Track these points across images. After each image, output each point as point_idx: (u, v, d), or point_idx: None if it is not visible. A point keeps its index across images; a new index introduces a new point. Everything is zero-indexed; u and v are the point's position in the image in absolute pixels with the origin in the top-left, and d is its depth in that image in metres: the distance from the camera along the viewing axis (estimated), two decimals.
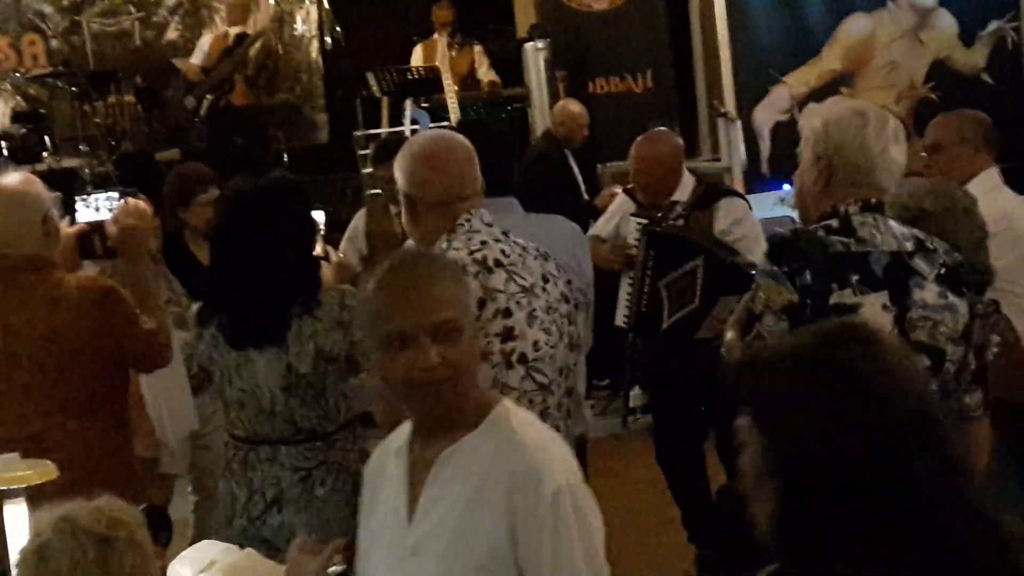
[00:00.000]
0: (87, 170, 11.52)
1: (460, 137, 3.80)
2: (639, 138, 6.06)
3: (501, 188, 4.44)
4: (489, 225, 3.64)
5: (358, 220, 6.34)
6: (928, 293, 3.32)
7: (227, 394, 4.12)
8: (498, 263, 3.55)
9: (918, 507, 1.93)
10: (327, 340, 4.02)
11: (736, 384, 2.09)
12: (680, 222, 5.83)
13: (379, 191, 6.51)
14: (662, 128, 6.41)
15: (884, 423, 1.93)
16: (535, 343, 3.53)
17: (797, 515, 1.96)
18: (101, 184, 10.74)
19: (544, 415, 3.50)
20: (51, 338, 4.02)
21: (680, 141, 6.29)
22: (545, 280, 3.61)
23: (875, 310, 3.27)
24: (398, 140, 7.17)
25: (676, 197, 5.90)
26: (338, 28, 11.80)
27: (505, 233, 3.65)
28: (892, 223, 3.39)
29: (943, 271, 3.35)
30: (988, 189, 4.86)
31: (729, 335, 3.89)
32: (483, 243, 3.58)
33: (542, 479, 2.59)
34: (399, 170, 3.73)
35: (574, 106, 9.44)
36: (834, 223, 3.37)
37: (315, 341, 4.00)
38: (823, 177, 3.44)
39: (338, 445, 4.09)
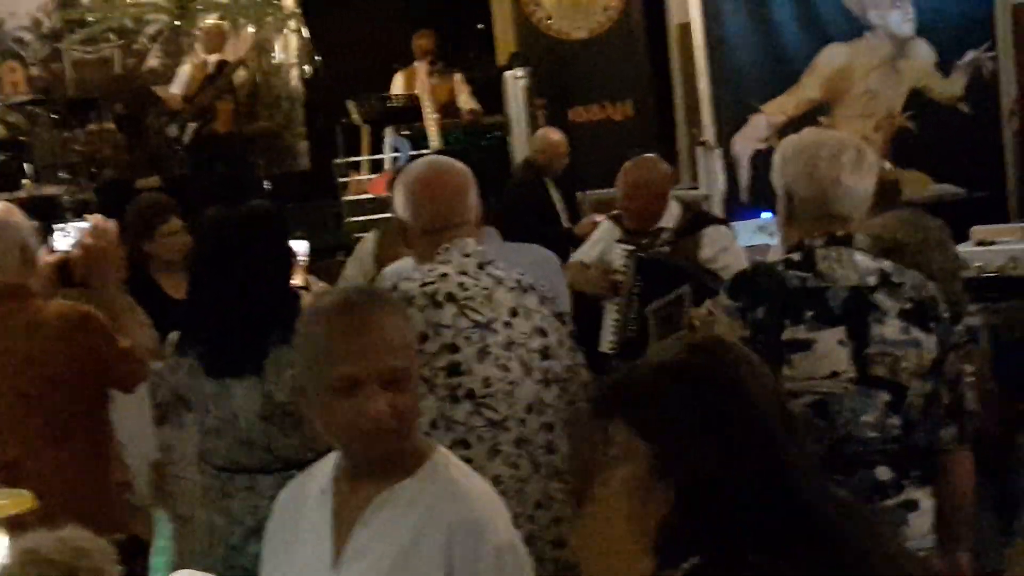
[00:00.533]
0: (67, 197, 11.50)
1: (457, 165, 3.77)
2: (628, 164, 6.06)
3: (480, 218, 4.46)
4: (467, 256, 3.62)
5: (368, 242, 6.32)
6: (889, 328, 3.30)
7: (205, 422, 4.11)
8: (450, 297, 3.52)
9: (796, 498, 2.06)
10: None
11: (612, 400, 2.17)
12: (666, 249, 5.84)
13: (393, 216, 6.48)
14: (650, 155, 6.42)
15: (764, 424, 2.08)
16: (486, 379, 3.48)
17: (699, 511, 2.05)
18: (81, 211, 10.73)
19: (494, 452, 3.49)
20: (30, 365, 4.02)
21: (668, 168, 6.31)
22: (513, 314, 3.54)
23: (830, 345, 3.27)
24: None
25: (662, 224, 5.91)
26: (317, 57, 11.83)
27: (482, 264, 3.62)
28: (858, 256, 3.37)
29: (909, 306, 3.33)
30: None
31: None
32: (442, 276, 3.55)
33: (485, 533, 2.52)
34: (396, 194, 3.73)
35: (554, 134, 9.47)
36: (796, 256, 3.37)
37: (294, 370, 4.00)
38: (787, 210, 3.45)
39: None
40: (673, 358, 2.19)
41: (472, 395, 3.50)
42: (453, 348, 3.49)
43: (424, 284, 3.54)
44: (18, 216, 4.17)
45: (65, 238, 4.33)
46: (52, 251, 4.39)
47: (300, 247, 4.76)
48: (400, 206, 3.71)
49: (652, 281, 5.65)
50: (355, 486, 2.57)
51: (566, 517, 3.59)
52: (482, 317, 3.53)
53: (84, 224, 4.34)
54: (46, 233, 4.50)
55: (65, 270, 4.31)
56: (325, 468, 2.67)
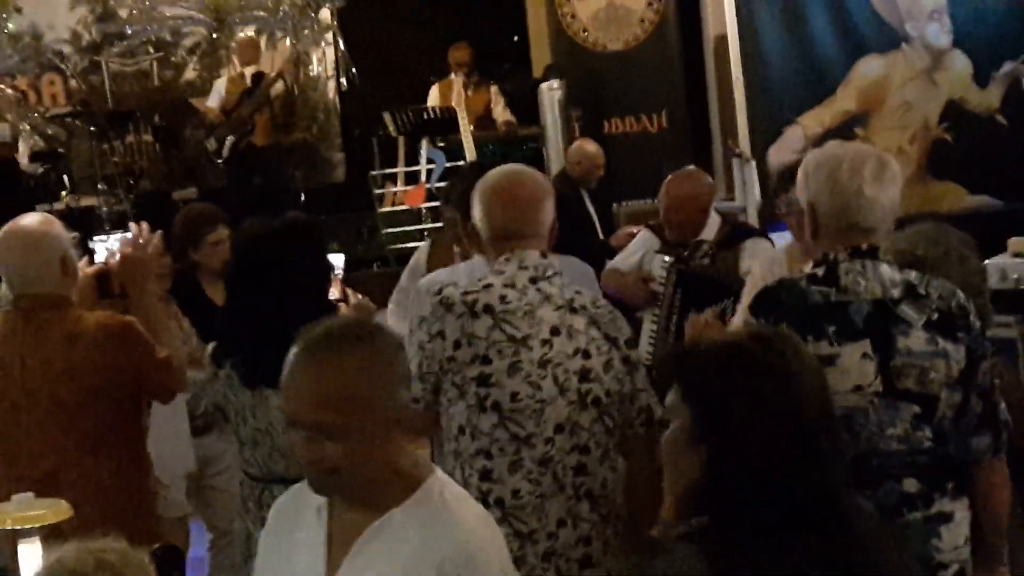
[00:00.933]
0: (105, 209, 11.58)
1: (535, 177, 3.81)
2: (671, 176, 6.04)
3: None
4: (523, 268, 3.63)
5: (421, 253, 6.35)
6: (914, 340, 3.29)
7: (241, 433, 4.14)
8: (487, 309, 3.54)
9: (819, 482, 2.35)
10: None
11: (674, 367, 2.51)
12: (706, 261, 5.82)
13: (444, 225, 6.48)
14: (692, 167, 6.40)
15: (801, 415, 2.37)
16: (514, 394, 3.50)
17: (718, 479, 2.35)
18: (119, 223, 10.81)
19: (515, 466, 3.52)
20: (70, 376, 4.04)
21: (711, 180, 6.29)
22: (555, 333, 3.55)
23: (854, 359, 3.26)
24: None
25: (702, 236, 5.90)
26: (354, 70, 11.88)
27: (535, 279, 3.62)
28: (884, 268, 3.36)
29: (935, 316, 3.31)
30: None
31: None
32: (486, 287, 3.59)
33: (475, 565, 2.50)
34: (474, 199, 3.76)
35: (590, 146, 9.46)
36: (820, 272, 3.36)
37: None
38: (812, 224, 3.44)
39: None
40: (732, 339, 2.51)
41: (498, 408, 3.52)
42: (485, 360, 3.52)
43: (465, 293, 3.58)
44: (58, 227, 4.20)
45: (104, 249, 4.35)
46: (91, 262, 4.41)
47: (337, 260, 4.78)
48: (475, 211, 3.75)
49: (692, 293, 5.63)
50: (350, 508, 2.56)
51: (598, 538, 3.59)
52: (518, 332, 3.54)
53: (125, 235, 4.37)
54: (85, 245, 4.52)
55: (104, 281, 4.34)
56: None
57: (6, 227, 4.20)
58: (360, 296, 4.97)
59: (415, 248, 6.71)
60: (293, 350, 2.50)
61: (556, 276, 3.68)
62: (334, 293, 4.69)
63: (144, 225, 4.40)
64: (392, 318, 6.19)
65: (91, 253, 4.44)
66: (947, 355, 3.30)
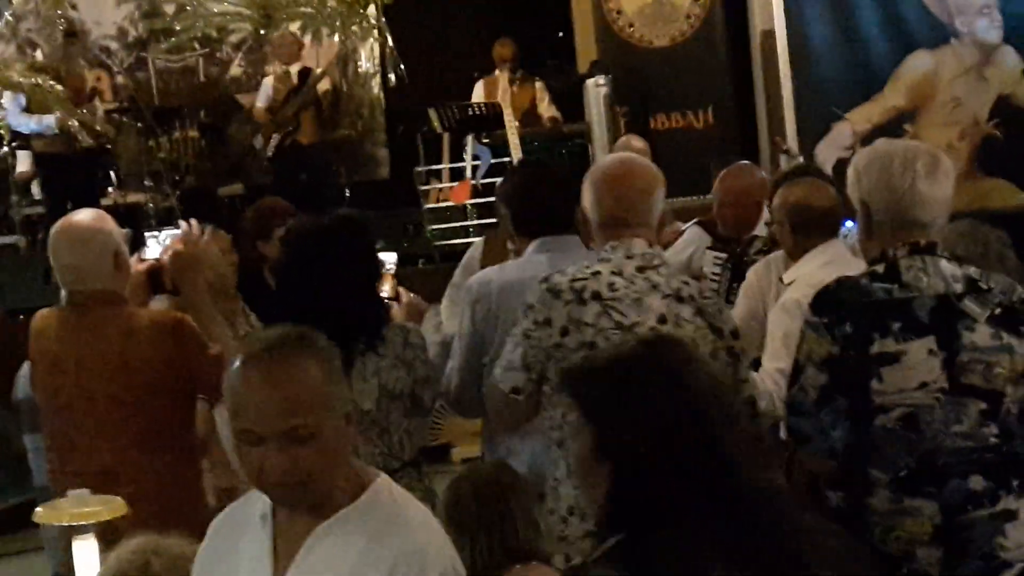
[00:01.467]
0: (151, 205, 11.62)
1: (647, 167, 3.82)
2: (724, 171, 6.02)
3: (563, 226, 4.45)
4: (629, 257, 3.62)
5: (475, 250, 6.35)
6: (979, 335, 3.26)
7: None
8: (596, 296, 3.55)
9: (729, 483, 2.30)
10: (390, 377, 4.02)
11: (568, 386, 2.48)
12: (759, 257, 5.78)
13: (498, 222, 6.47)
14: (746, 162, 6.37)
15: (694, 415, 2.33)
16: None
17: (626, 493, 2.32)
18: (165, 219, 10.85)
19: None
20: (124, 372, 4.06)
21: (764, 176, 6.26)
22: (661, 321, 3.55)
23: (920, 356, 3.24)
24: None
25: (755, 232, 5.86)
26: (402, 66, 11.87)
27: (642, 268, 3.62)
28: (944, 264, 3.34)
29: (998, 311, 3.29)
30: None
31: (770, 384, 3.87)
32: (595, 274, 3.59)
33: (428, 561, 2.51)
34: (584, 186, 3.78)
35: (636, 141, 9.38)
36: (880, 269, 3.35)
37: (378, 378, 4.01)
38: (865, 223, 3.43)
39: (403, 482, 4.04)
40: (623, 350, 2.48)
41: None
42: (592, 347, 3.50)
43: (574, 280, 3.58)
44: (110, 223, 4.22)
45: (157, 245, 4.36)
46: (143, 258, 4.42)
47: (389, 258, 4.76)
48: (584, 198, 3.76)
49: None
50: (294, 515, 2.53)
51: None
52: (626, 319, 3.54)
53: (176, 231, 4.38)
54: (137, 241, 4.53)
55: (156, 277, 4.35)
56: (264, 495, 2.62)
57: (58, 223, 4.22)
58: (412, 295, 4.95)
59: (460, 244, 6.72)
60: (238, 369, 2.46)
61: (663, 266, 3.69)
62: (386, 290, 4.68)
63: (194, 222, 4.41)
64: (445, 314, 6.20)
65: (142, 249, 4.43)
66: (1012, 349, 3.28)
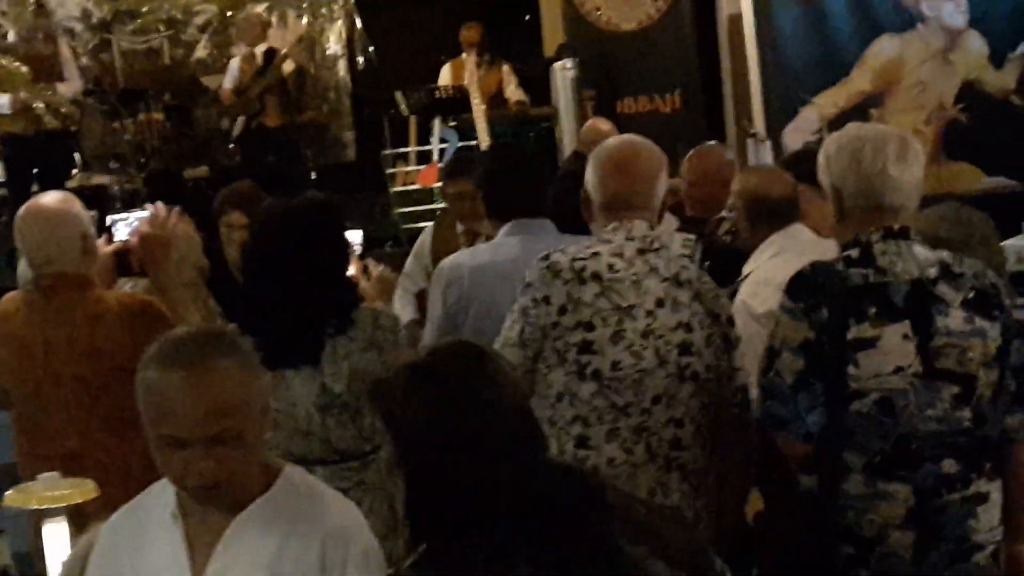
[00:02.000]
0: (117, 187, 11.57)
1: (652, 150, 3.79)
2: (693, 151, 6.00)
3: (535, 209, 4.45)
4: (630, 239, 3.62)
5: (425, 236, 6.35)
6: (953, 320, 3.27)
7: None
8: (595, 276, 3.54)
9: (524, 489, 2.26)
10: (361, 360, 4.01)
11: (370, 393, 2.44)
12: (727, 238, 5.79)
13: (446, 206, 6.46)
14: (714, 142, 6.37)
15: (489, 422, 2.28)
16: (615, 363, 3.50)
17: (420, 503, 2.31)
18: (130, 202, 10.79)
19: (612, 434, 3.53)
20: (92, 355, 4.03)
21: (732, 156, 6.27)
22: (659, 304, 3.55)
23: (895, 341, 3.24)
24: (469, 157, 7.13)
25: (723, 214, 5.87)
26: (371, 49, 11.84)
27: (643, 251, 3.62)
28: (917, 248, 3.35)
29: (972, 295, 3.30)
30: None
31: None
32: (594, 254, 3.58)
33: (352, 537, 2.56)
34: (588, 166, 3.77)
35: (603, 124, 9.39)
36: (854, 253, 3.34)
37: (349, 361, 4.00)
38: (837, 207, 3.43)
39: (374, 466, 4.07)
40: (418, 359, 2.42)
41: (599, 376, 3.52)
42: (588, 327, 3.51)
43: (574, 259, 3.57)
44: (77, 206, 4.19)
45: (124, 228, 4.34)
46: (110, 240, 4.39)
47: (354, 237, 4.75)
48: (588, 178, 3.74)
49: (718, 268, 5.57)
50: (206, 511, 2.53)
51: (689, 508, 3.59)
52: (624, 301, 3.54)
53: (144, 213, 4.35)
54: (103, 224, 4.50)
55: (123, 259, 4.32)
56: (164, 494, 2.60)
57: (26, 205, 4.20)
58: (381, 267, 4.93)
59: (427, 227, 6.71)
60: (157, 375, 2.43)
61: (663, 249, 3.68)
62: (352, 270, 4.67)
63: (161, 204, 4.39)
64: (399, 303, 6.19)
65: (110, 231, 4.41)
66: (984, 334, 3.29)
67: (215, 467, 2.39)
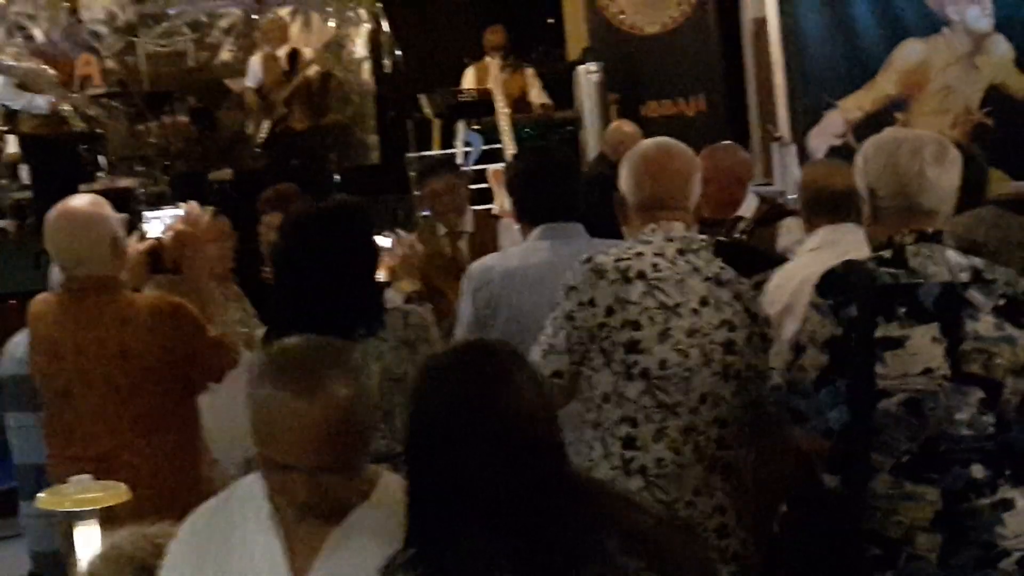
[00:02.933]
0: (142, 190, 11.58)
1: (685, 151, 3.80)
2: (706, 149, 5.96)
3: (566, 213, 4.45)
4: (669, 240, 3.62)
5: None
6: (983, 325, 3.26)
7: None
8: (640, 275, 3.53)
9: (520, 498, 2.21)
10: (393, 360, 4.02)
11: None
12: (743, 237, 5.78)
13: (427, 212, 6.51)
14: (729, 142, 6.37)
15: (500, 426, 2.23)
16: (663, 361, 3.49)
17: (419, 499, 2.29)
18: (156, 204, 10.82)
19: (659, 434, 3.51)
20: (122, 357, 4.05)
21: (747, 155, 6.25)
22: (703, 303, 3.55)
23: (924, 343, 3.23)
24: (441, 161, 7.16)
25: (740, 213, 5.86)
26: (398, 52, 11.85)
27: (683, 251, 3.62)
28: (950, 253, 3.34)
29: (1002, 302, 3.29)
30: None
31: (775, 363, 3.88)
32: (638, 254, 3.58)
33: None
34: (621, 169, 3.77)
35: (628, 127, 9.40)
36: (886, 254, 3.34)
37: (381, 362, 4.01)
38: (871, 208, 3.43)
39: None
40: (433, 360, 2.40)
41: (647, 375, 3.51)
42: (635, 326, 3.50)
43: (618, 259, 3.57)
44: (107, 209, 4.20)
45: (157, 226, 4.35)
46: (143, 238, 4.40)
47: (385, 243, 4.77)
48: (622, 181, 3.75)
49: (733, 264, 5.57)
50: (301, 514, 2.48)
51: (732, 507, 3.59)
52: (670, 300, 3.53)
53: (177, 212, 4.37)
54: (133, 225, 4.51)
55: (155, 257, 4.33)
56: (255, 492, 2.54)
57: (56, 208, 4.20)
58: (404, 237, 4.94)
59: None
60: (266, 392, 2.36)
61: (702, 250, 3.69)
62: (381, 275, 4.68)
63: (195, 203, 4.40)
64: None
65: (142, 228, 4.42)
66: (1013, 341, 3.27)
67: (318, 493, 2.36)
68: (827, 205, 4.51)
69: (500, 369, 2.31)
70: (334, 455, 2.34)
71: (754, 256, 5.46)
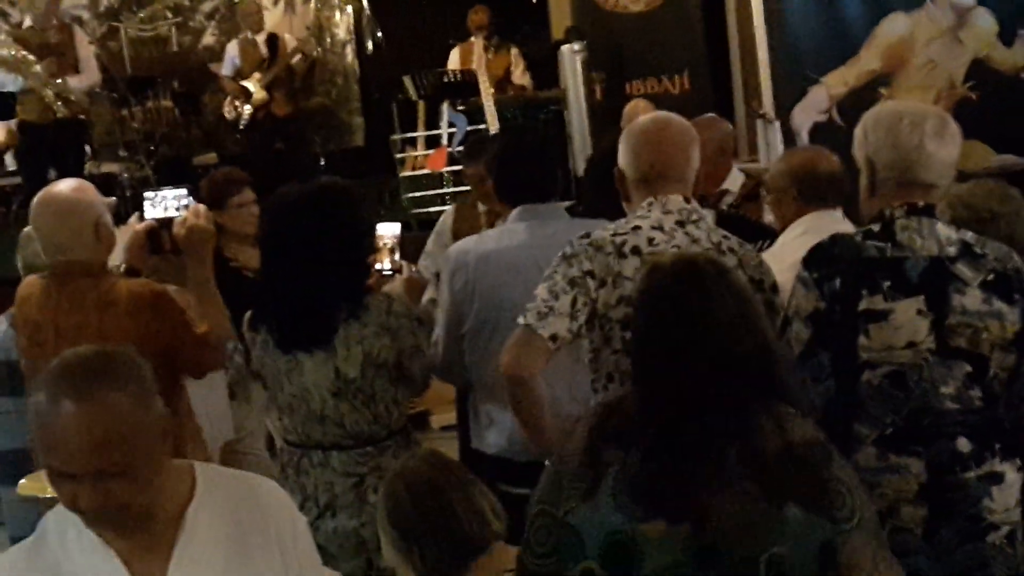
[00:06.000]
0: (126, 175, 11.56)
1: (682, 123, 3.80)
2: (691, 122, 5.96)
3: (545, 194, 4.43)
4: (668, 212, 3.61)
5: (447, 216, 6.36)
6: (969, 299, 3.27)
7: (279, 399, 4.14)
8: (635, 250, 3.52)
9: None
10: (374, 345, 4.02)
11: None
12: (732, 212, 5.75)
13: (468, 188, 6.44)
14: (711, 114, 6.34)
15: (710, 341, 2.58)
16: None
17: (645, 388, 2.65)
18: (140, 189, 10.79)
19: None
20: (101, 341, 3.98)
21: (729, 126, 6.23)
22: None
23: (908, 316, 3.25)
24: (487, 139, 7.10)
25: (726, 187, 5.84)
26: (380, 34, 11.81)
27: (682, 223, 3.60)
28: (940, 227, 3.34)
29: (991, 277, 3.29)
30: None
31: None
32: (635, 228, 3.57)
33: (286, 499, 2.67)
34: (620, 144, 3.75)
35: (644, 105, 9.32)
36: (875, 227, 3.35)
37: (362, 346, 4.01)
38: (869, 181, 3.43)
39: (390, 451, 4.08)
40: (657, 271, 2.72)
41: None
42: (629, 301, 3.45)
43: (615, 234, 3.56)
44: (92, 194, 4.18)
45: (154, 207, 4.30)
46: (142, 217, 4.36)
47: (390, 229, 4.74)
48: (620, 156, 3.74)
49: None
50: (134, 525, 2.45)
51: None
52: None
53: (176, 191, 4.33)
54: (119, 214, 4.46)
55: (155, 239, 4.30)
56: (66, 523, 2.48)
57: (40, 194, 4.18)
58: (414, 268, 4.92)
59: (437, 212, 6.72)
60: (45, 405, 2.32)
61: (702, 220, 3.67)
62: (387, 264, 4.66)
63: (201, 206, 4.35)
64: None
65: (141, 208, 4.37)
66: (1001, 316, 3.28)
67: (103, 500, 2.32)
68: (816, 193, 4.47)
69: (706, 286, 2.63)
70: (111, 459, 2.30)
71: (749, 225, 5.43)
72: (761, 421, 2.56)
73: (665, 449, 2.54)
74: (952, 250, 3.30)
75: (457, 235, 5.92)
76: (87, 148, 11.52)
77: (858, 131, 3.46)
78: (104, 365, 2.40)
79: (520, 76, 11.41)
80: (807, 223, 4.42)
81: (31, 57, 9.95)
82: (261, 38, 11.63)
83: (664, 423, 2.56)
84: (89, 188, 4.22)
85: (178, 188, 4.36)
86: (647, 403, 2.61)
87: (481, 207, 5.94)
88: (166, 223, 4.25)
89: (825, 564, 2.50)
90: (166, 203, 4.31)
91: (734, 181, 5.85)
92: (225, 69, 11.73)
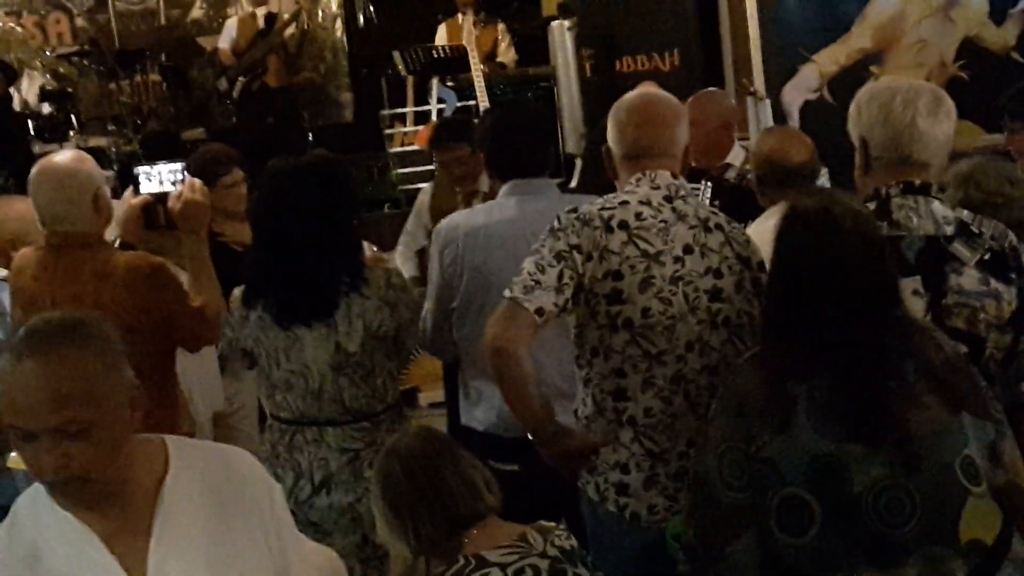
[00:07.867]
0: (114, 149, 11.52)
1: (669, 99, 3.79)
2: (692, 97, 5.90)
3: (536, 169, 4.42)
4: (655, 188, 3.60)
5: (424, 194, 6.34)
6: (966, 279, 3.26)
7: (273, 376, 4.11)
8: (622, 225, 3.51)
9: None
10: (375, 318, 4.02)
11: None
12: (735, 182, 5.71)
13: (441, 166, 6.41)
14: (714, 88, 6.31)
15: (843, 272, 2.86)
16: (645, 310, 3.45)
17: (775, 311, 2.99)
18: (127, 163, 10.76)
19: (647, 384, 3.49)
20: (98, 311, 4.00)
21: (732, 101, 6.20)
22: (687, 251, 3.51)
23: (904, 295, 3.18)
24: (458, 121, 7.09)
25: (728, 161, 5.82)
26: (371, 8, 11.77)
27: (669, 198, 3.59)
28: (936, 206, 3.32)
29: (987, 256, 3.28)
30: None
31: None
32: (623, 203, 3.56)
33: (266, 475, 2.67)
34: (608, 121, 3.74)
35: (651, 87, 9.27)
36: (871, 206, 3.31)
37: (363, 319, 4.00)
38: (863, 159, 3.41)
39: (384, 426, 4.08)
40: (796, 214, 3.00)
41: (630, 324, 3.48)
42: (617, 275, 3.46)
43: (603, 208, 3.55)
44: (90, 165, 4.16)
45: (149, 181, 4.28)
46: (137, 192, 4.34)
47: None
48: (608, 133, 3.73)
49: (731, 205, 5.49)
50: (106, 501, 2.43)
51: None
52: (651, 248, 3.50)
53: (171, 166, 4.31)
54: (135, 177, 4.41)
55: (151, 213, 4.28)
56: (38, 502, 2.47)
57: (39, 164, 4.17)
58: (375, 248, 4.91)
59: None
60: (9, 363, 2.32)
61: (690, 196, 3.66)
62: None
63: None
64: (399, 260, 6.18)
65: (136, 182, 4.35)
66: (998, 296, 3.27)
67: (62, 462, 2.30)
68: (788, 180, 4.46)
69: (838, 227, 2.87)
70: (70, 416, 2.28)
71: (754, 200, 5.38)
72: (920, 338, 2.86)
73: (853, 372, 2.79)
74: (949, 229, 3.29)
75: (435, 213, 5.92)
76: (74, 121, 11.49)
77: (852, 108, 3.44)
78: (69, 326, 2.38)
79: (504, 52, 11.37)
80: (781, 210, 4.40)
81: (18, 29, 9.91)
82: (261, 12, 11.59)
83: (844, 349, 2.80)
84: (88, 159, 4.20)
85: (173, 163, 4.34)
86: (819, 333, 2.84)
87: (458, 188, 5.94)
88: (161, 198, 4.24)
89: (995, 464, 2.83)
90: (161, 177, 4.29)
91: (736, 156, 5.83)
92: (223, 42, 11.68)
